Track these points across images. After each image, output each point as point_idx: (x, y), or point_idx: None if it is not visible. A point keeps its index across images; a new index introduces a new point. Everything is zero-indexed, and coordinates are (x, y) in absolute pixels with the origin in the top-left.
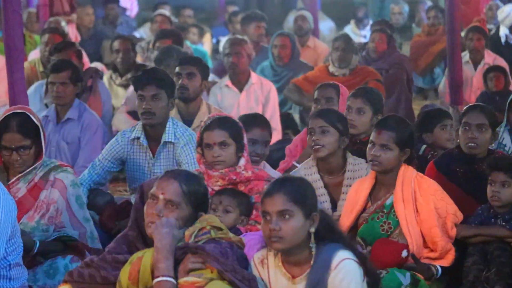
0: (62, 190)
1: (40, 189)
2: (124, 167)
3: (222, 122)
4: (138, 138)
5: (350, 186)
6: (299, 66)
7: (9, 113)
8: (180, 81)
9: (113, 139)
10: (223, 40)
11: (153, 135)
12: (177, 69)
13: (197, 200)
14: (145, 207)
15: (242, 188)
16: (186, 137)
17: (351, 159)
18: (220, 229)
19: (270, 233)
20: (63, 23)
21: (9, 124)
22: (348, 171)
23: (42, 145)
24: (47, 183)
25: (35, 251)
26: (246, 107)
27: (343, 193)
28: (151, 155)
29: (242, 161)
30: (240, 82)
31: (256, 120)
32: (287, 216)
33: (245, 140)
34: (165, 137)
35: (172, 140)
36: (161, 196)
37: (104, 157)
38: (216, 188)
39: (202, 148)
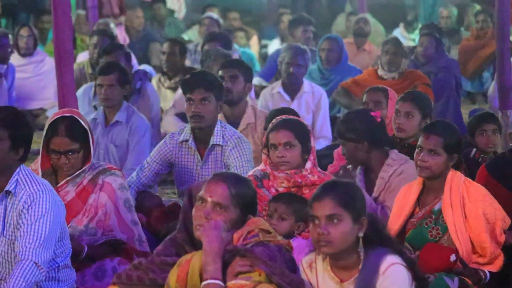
0: (111, 194)
1: (88, 193)
2: (173, 170)
3: (288, 123)
4: (187, 140)
5: (383, 178)
6: (347, 70)
7: (58, 116)
8: (223, 84)
9: (162, 141)
10: (273, 44)
11: (202, 138)
12: (220, 72)
13: (246, 203)
14: (193, 210)
15: (306, 191)
16: (235, 139)
17: (394, 154)
18: (268, 232)
19: (319, 237)
20: (111, 25)
21: (58, 128)
22: (386, 164)
23: (91, 148)
24: (96, 186)
25: (84, 255)
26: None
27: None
28: (199, 157)
29: (309, 164)
30: (292, 89)
31: None
32: (335, 220)
33: (312, 143)
34: (214, 140)
35: (221, 143)
36: (209, 199)
37: (152, 159)
38: (281, 189)
39: (268, 149)
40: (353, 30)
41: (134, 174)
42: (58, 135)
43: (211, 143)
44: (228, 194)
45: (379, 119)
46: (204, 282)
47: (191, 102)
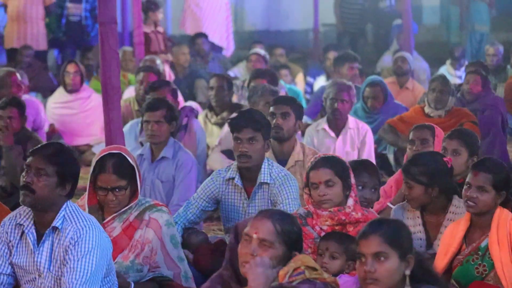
0: (157, 230)
1: (135, 229)
2: (219, 207)
3: (327, 160)
4: (233, 178)
5: (449, 222)
6: (393, 108)
7: (105, 153)
8: (274, 121)
9: (209, 178)
10: (318, 81)
11: (248, 176)
12: (271, 109)
13: (291, 239)
14: (239, 247)
15: (350, 229)
16: (282, 177)
17: (456, 200)
18: (314, 269)
19: (365, 275)
20: (158, 61)
21: (105, 164)
22: (450, 212)
23: (138, 185)
24: (142, 222)
25: None
26: (342, 152)
27: (441, 233)
28: (246, 195)
29: (351, 201)
30: (337, 126)
31: (364, 165)
32: (382, 258)
33: (352, 180)
34: (261, 178)
35: (268, 181)
36: (254, 236)
37: (199, 196)
38: (325, 227)
39: (309, 188)
40: (393, 70)
41: (180, 210)
42: (106, 172)
43: (258, 181)
44: (273, 230)
45: (449, 165)
46: None
47: (239, 141)
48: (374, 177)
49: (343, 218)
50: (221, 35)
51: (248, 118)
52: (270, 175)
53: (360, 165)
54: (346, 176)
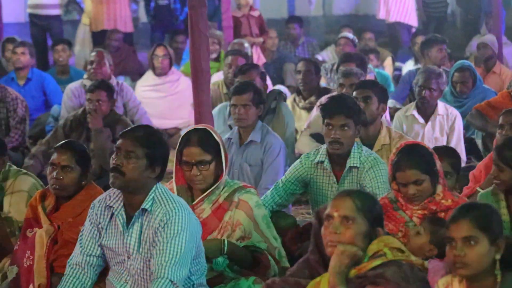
0: (248, 211)
1: (224, 210)
2: (307, 190)
3: (412, 160)
4: (322, 162)
5: None
6: (482, 92)
7: (191, 128)
8: None
9: (297, 161)
10: (407, 65)
11: (338, 160)
12: (354, 93)
13: (372, 215)
14: (322, 229)
15: (442, 215)
16: (371, 161)
17: None
18: (401, 251)
19: (455, 259)
20: (246, 45)
21: (190, 138)
22: None
23: (223, 163)
24: (232, 204)
25: (225, 250)
26: (431, 138)
27: None
28: (335, 179)
29: (439, 188)
30: (426, 112)
31: (446, 152)
32: (472, 242)
33: (439, 166)
34: (350, 162)
35: (357, 165)
36: (335, 214)
37: (287, 179)
38: (415, 218)
39: (397, 184)
40: (476, 56)
41: (268, 193)
42: (190, 145)
43: (348, 165)
44: (353, 207)
45: None
46: None
47: (331, 127)
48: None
49: (434, 207)
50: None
51: (340, 104)
52: (359, 159)
53: (442, 152)
54: (432, 167)
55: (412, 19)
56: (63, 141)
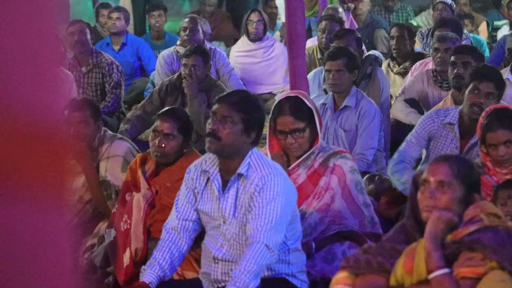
0: (341, 177)
1: (320, 176)
2: (427, 147)
3: (504, 121)
4: (453, 124)
5: None
6: None
7: (283, 97)
8: (455, 70)
9: (426, 117)
10: (502, 29)
11: (468, 128)
12: (452, 58)
13: (470, 180)
14: (418, 194)
15: None
16: None
17: None
18: (497, 216)
19: None
20: (340, 10)
21: (283, 108)
22: None
23: (318, 128)
24: (327, 169)
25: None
26: None
27: None
28: (459, 146)
29: None
30: None
31: None
32: None
33: None
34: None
35: None
36: (431, 179)
37: (418, 134)
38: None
39: (486, 147)
40: None
41: (401, 147)
42: (283, 114)
43: (475, 138)
44: (450, 172)
45: None
46: (434, 274)
47: (477, 92)
48: None
49: None
50: None
51: (491, 73)
52: None
53: None
54: None
55: None
56: (166, 108)
